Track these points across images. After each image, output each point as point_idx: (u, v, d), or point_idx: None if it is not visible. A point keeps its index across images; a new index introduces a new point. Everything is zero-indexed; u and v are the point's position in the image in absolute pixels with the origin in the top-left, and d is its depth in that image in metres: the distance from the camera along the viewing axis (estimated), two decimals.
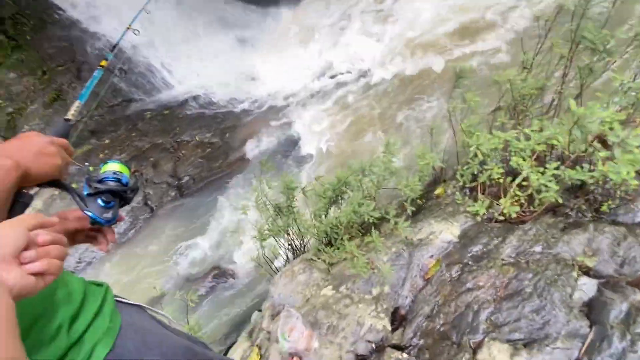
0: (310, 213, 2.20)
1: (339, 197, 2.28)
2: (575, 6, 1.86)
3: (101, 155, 5.41)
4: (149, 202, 4.64)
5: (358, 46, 4.83)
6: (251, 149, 4.51)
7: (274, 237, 2.14)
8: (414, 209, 2.04)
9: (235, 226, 3.39)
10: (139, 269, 3.93)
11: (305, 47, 5.57)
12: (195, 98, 5.63)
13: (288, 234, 2.23)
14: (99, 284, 0.84)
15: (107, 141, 5.59)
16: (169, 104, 5.78)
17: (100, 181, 0.82)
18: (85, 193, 0.80)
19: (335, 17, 5.85)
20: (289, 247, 2.36)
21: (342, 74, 4.68)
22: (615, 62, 1.85)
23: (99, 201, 0.80)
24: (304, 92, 4.81)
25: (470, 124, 1.84)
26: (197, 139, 5.08)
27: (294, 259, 2.39)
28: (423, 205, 2.27)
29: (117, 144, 5.51)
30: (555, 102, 2.18)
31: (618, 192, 1.61)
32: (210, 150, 4.88)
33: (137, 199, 4.65)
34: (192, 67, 6.03)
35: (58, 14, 5.81)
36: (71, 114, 0.96)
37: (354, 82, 4.42)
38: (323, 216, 2.15)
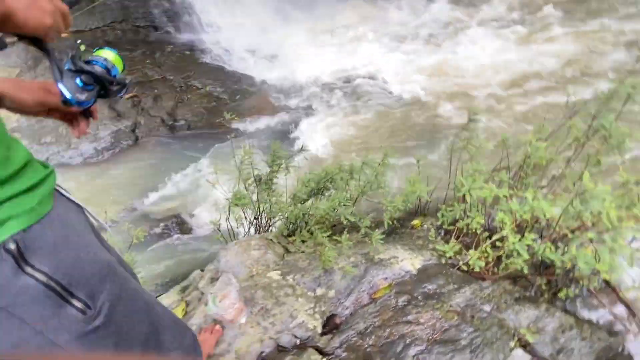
0: (290, 195, 2.15)
1: (321, 192, 2.24)
2: (605, 97, 1.88)
3: None
4: (136, 131, 4.50)
5: (393, 60, 4.82)
6: (254, 119, 4.43)
7: (243, 207, 2.09)
8: (391, 223, 2.01)
9: (205, 183, 3.31)
10: (101, 191, 3.80)
11: (338, 45, 5.54)
12: (221, 50, 5.52)
13: (258, 209, 2.18)
14: (45, 166, 0.77)
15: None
16: (193, 46, 5.65)
17: (87, 62, 0.76)
18: (66, 67, 0.74)
19: (385, 25, 5.84)
20: (254, 221, 2.30)
21: (366, 79, 4.66)
22: (623, 161, 1.88)
23: (77, 80, 0.73)
24: (321, 84, 4.77)
25: (477, 169, 1.82)
26: (207, 89, 4.98)
27: (254, 233, 2.34)
28: (396, 230, 2.25)
29: (128, 64, 5.32)
30: (554, 179, 2.20)
31: (582, 283, 1.62)
32: (215, 104, 4.78)
33: (126, 124, 4.52)
34: (232, 22, 5.92)
35: None
36: None
37: (376, 92, 4.40)
38: (300, 202, 2.11)
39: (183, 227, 3.07)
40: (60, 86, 0.71)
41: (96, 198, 3.70)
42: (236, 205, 1.96)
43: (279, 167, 2.05)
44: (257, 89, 4.93)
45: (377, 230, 2.18)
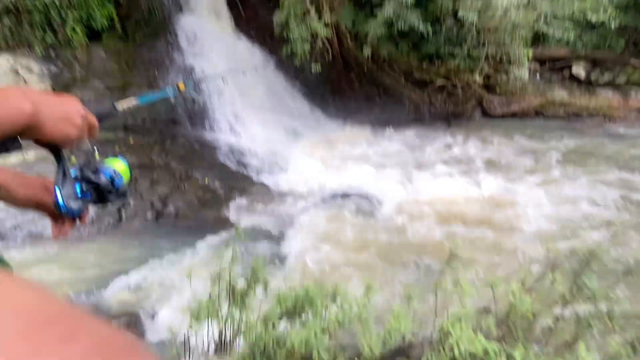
0: (261, 314, 1.96)
1: (297, 314, 2.06)
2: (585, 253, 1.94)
3: (117, 148, 5.52)
4: (122, 211, 4.43)
5: (386, 185, 5.14)
6: (245, 218, 4.44)
7: (208, 318, 1.88)
8: None
9: (178, 282, 3.06)
10: (66, 268, 3.50)
11: (339, 164, 6.01)
12: (228, 149, 5.94)
13: (224, 323, 1.96)
14: (5, 263, 0.71)
15: (131, 141, 5.78)
16: (204, 142, 6.10)
17: (95, 171, 0.78)
18: (73, 173, 0.75)
19: (383, 151, 6.46)
20: (217, 337, 2.04)
21: (360, 198, 4.86)
22: (613, 329, 1.81)
23: (77, 186, 0.74)
24: (317, 197, 4.96)
25: (463, 314, 1.73)
26: (206, 182, 5.14)
27: (214, 352, 2.04)
28: None
29: (137, 147, 5.66)
30: (544, 337, 2.07)
31: None
32: (210, 197, 4.85)
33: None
34: (244, 129, 6.56)
35: (172, 36, 6.83)
36: (122, 105, 0.98)
37: (368, 212, 4.54)
38: (271, 325, 1.91)
39: (136, 330, 2.69)
40: (57, 191, 0.71)
41: (58, 275, 3.38)
42: (197, 319, 1.76)
43: (255, 285, 1.94)
44: (255, 190, 5.10)
45: None
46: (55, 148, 0.70)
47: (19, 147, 0.64)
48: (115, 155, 0.87)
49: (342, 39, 8.22)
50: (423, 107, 8.31)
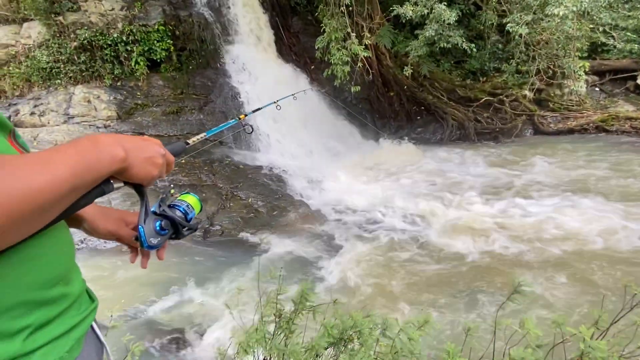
0: (307, 343, 1.93)
1: (343, 343, 2.00)
2: None
3: None
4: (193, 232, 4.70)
5: (430, 208, 4.94)
6: (285, 238, 4.48)
7: (255, 347, 1.89)
8: None
9: (223, 302, 3.13)
10: (120, 285, 3.74)
11: (381, 184, 5.91)
12: (270, 169, 6.12)
13: (271, 351, 1.95)
14: (92, 298, 0.78)
15: (182, 161, 6.18)
16: (247, 162, 6.36)
17: (171, 207, 0.84)
18: (152, 209, 0.81)
19: (428, 173, 6.26)
20: None
21: (403, 221, 4.71)
22: None
23: (157, 223, 0.79)
24: (358, 220, 4.88)
25: (524, 357, 1.57)
26: (250, 201, 5.31)
27: None
28: None
29: (188, 167, 6.04)
30: None
31: None
32: (253, 216, 4.99)
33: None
34: (286, 150, 6.75)
35: (221, 64, 7.33)
36: (192, 140, 1.06)
37: (411, 237, 4.37)
38: (315, 355, 1.86)
39: (184, 346, 2.78)
40: (141, 229, 0.77)
41: (112, 291, 3.62)
42: (245, 352, 1.77)
43: (303, 310, 1.91)
44: (296, 210, 5.17)
45: None
46: (139, 187, 0.76)
47: (112, 189, 0.70)
48: (187, 191, 0.93)
49: (381, 59, 8.28)
50: (467, 124, 8.00)
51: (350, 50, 6.06)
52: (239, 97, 6.77)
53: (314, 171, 6.17)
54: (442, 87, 8.53)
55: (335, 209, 5.15)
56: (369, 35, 7.00)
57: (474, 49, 7.05)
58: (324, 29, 6.28)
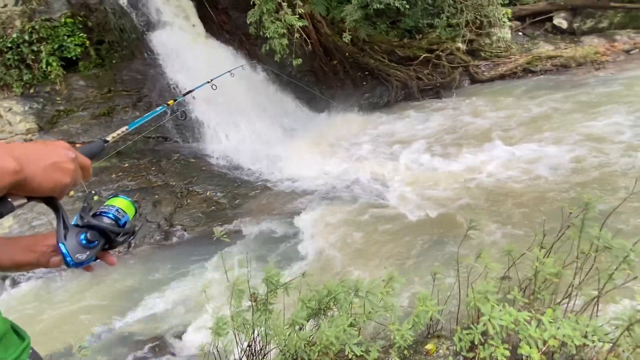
0: (289, 319, 1.95)
1: (323, 312, 2.05)
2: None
3: (113, 175, 5.47)
4: (130, 237, 4.41)
5: (388, 170, 5.11)
6: (252, 224, 4.41)
7: (234, 331, 1.87)
8: (399, 359, 1.78)
9: (198, 298, 3.06)
10: (82, 303, 3.49)
11: (338, 154, 5.97)
12: (224, 158, 5.89)
13: (252, 334, 1.95)
14: (22, 337, 0.68)
15: (126, 164, 5.73)
16: (198, 155, 6.05)
17: (97, 215, 0.75)
18: (73, 222, 0.72)
19: (378, 137, 6.41)
20: (247, 348, 2.04)
21: (364, 186, 4.84)
22: (635, 277, 1.80)
23: (82, 237, 0.70)
24: (321, 191, 4.93)
25: (488, 290, 1.72)
26: (208, 194, 5.11)
27: None
28: (408, 358, 1.99)
29: (133, 171, 5.61)
30: (569, 297, 2.07)
31: None
32: (215, 209, 4.83)
33: None
34: (237, 135, 6.50)
35: (148, 54, 6.71)
36: (112, 136, 0.94)
37: (374, 200, 4.52)
38: (298, 328, 1.90)
39: (165, 352, 2.70)
40: (62, 246, 0.68)
41: (72, 313, 3.37)
42: (218, 334, 1.75)
43: (276, 289, 1.92)
44: (258, 194, 5.08)
45: (386, 359, 1.94)
46: (50, 200, 0.66)
47: (11, 208, 0.59)
48: (115, 195, 0.84)
49: (319, 28, 8.09)
50: (410, 83, 8.23)
51: (285, 21, 5.81)
52: (177, 86, 6.30)
53: (270, 152, 6.04)
54: (382, 50, 8.60)
55: (297, 185, 5.13)
56: (301, 4, 6.75)
57: (407, 6, 7.12)
58: (254, 2, 5.93)
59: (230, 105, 6.54)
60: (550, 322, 1.65)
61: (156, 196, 5.06)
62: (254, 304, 2.04)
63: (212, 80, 2.10)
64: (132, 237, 0.83)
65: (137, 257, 4.10)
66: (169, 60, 6.58)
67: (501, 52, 8.51)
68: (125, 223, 0.79)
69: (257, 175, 5.49)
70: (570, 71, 7.63)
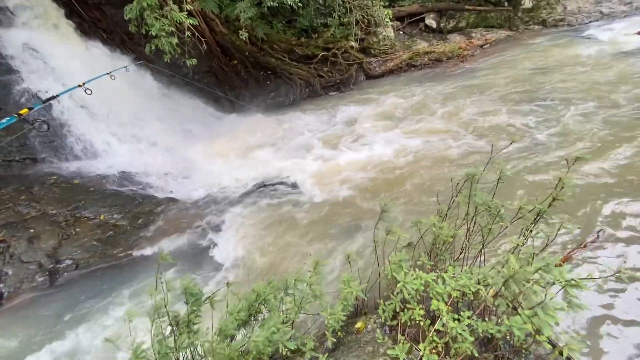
0: (215, 331, 1.82)
1: (253, 317, 1.98)
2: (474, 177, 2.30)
3: None
4: (0, 285, 3.52)
5: (298, 166, 5.19)
6: (163, 242, 3.98)
7: (156, 358, 1.66)
8: (335, 340, 1.83)
9: (107, 336, 2.62)
10: None
11: (247, 157, 5.82)
12: (117, 174, 5.15)
13: (179, 356, 1.76)
14: None
15: None
16: (83, 174, 5.16)
17: None
18: None
19: (287, 134, 6.44)
20: None
21: (276, 185, 4.82)
22: (507, 227, 2.23)
23: None
24: (233, 196, 4.75)
25: (401, 258, 1.89)
26: (102, 218, 4.40)
27: None
28: (342, 340, 2.06)
29: None
30: (464, 252, 2.43)
31: (523, 351, 1.66)
32: (112, 234, 4.18)
33: None
34: (129, 145, 5.74)
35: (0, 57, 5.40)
36: None
37: (288, 197, 4.54)
38: (228, 340, 1.79)
39: None
40: None
41: None
42: None
43: (199, 306, 1.77)
44: (164, 209, 4.58)
45: (322, 347, 1.97)
46: None
47: None
48: None
49: (213, 26, 7.70)
50: (313, 81, 8.51)
51: (172, 18, 5.34)
52: (36, 96, 5.22)
53: (172, 161, 5.52)
54: (281, 49, 8.67)
55: (206, 193, 4.82)
56: (189, 1, 6.30)
57: (299, 5, 7.31)
58: None
59: (118, 114, 5.74)
60: (451, 277, 1.91)
61: (31, 230, 4.13)
62: (175, 328, 1.85)
63: (84, 83, 1.78)
64: None
65: (15, 309, 3.29)
66: (28, 65, 5.41)
67: (387, 50, 9.47)
68: None
69: (161, 188, 4.96)
70: (443, 64, 8.94)
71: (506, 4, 10.78)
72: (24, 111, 1.05)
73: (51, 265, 3.75)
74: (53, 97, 1.42)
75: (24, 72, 5.33)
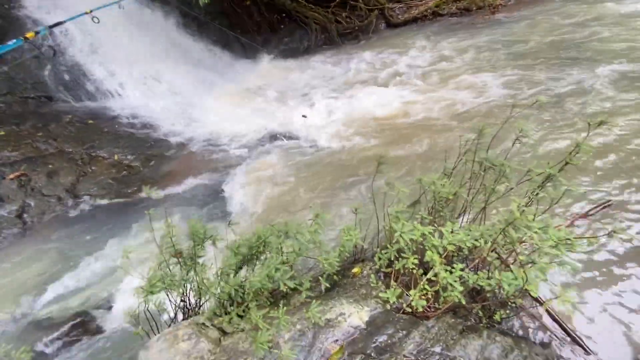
0: (217, 269, 1.94)
1: (255, 257, 2.09)
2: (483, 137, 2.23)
3: None
4: (25, 215, 3.78)
5: (309, 115, 5.10)
6: (172, 185, 4.11)
7: (166, 289, 1.81)
8: (328, 285, 1.94)
9: (119, 267, 2.85)
10: None
11: (258, 103, 5.72)
12: (130, 116, 5.19)
13: (184, 288, 1.91)
14: None
15: (1, 132, 4.69)
16: (97, 114, 5.21)
17: None
18: None
19: (300, 83, 6.25)
20: (181, 303, 2.01)
21: (287, 137, 4.80)
22: (512, 188, 2.20)
23: None
24: (243, 143, 4.76)
25: (399, 210, 1.92)
26: (116, 158, 4.53)
27: (183, 319, 2.03)
28: (338, 282, 2.19)
29: (12, 139, 4.64)
30: (466, 210, 2.43)
31: (509, 303, 1.73)
32: (126, 174, 4.34)
33: (9, 209, 3.78)
34: (143, 88, 5.69)
35: None
36: None
37: (297, 147, 4.53)
38: (231, 275, 1.92)
39: (89, 328, 2.51)
40: None
41: None
42: (151, 292, 1.68)
43: (203, 242, 1.87)
44: (175, 153, 4.66)
45: (318, 287, 2.09)
46: None
47: None
48: None
49: None
50: (330, 27, 8.01)
51: None
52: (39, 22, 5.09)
53: (184, 105, 5.50)
54: None
55: (218, 140, 4.85)
56: None
57: None
58: None
59: (130, 53, 5.61)
60: (450, 232, 1.94)
61: (50, 166, 4.32)
62: (181, 260, 1.98)
63: (91, 11, 1.71)
64: None
65: (37, 236, 3.57)
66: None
67: None
68: None
69: (172, 132, 5.00)
70: (472, 14, 8.22)
71: None
72: (30, 34, 1.03)
73: (70, 200, 3.97)
74: (59, 23, 1.39)
75: (30, 5, 5.16)
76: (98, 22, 1.57)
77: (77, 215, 3.77)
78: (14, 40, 1.00)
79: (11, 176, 4.13)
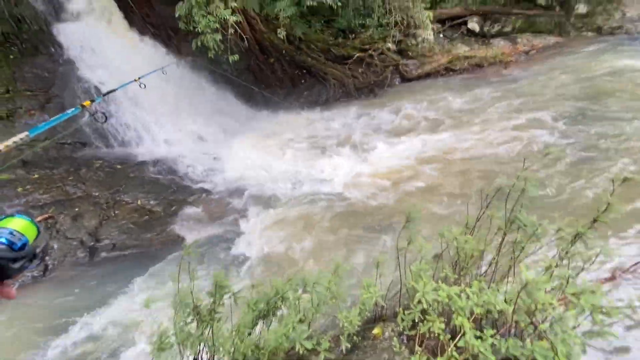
0: (233, 326, 1.88)
1: (271, 313, 2.02)
2: (510, 189, 2.19)
3: (19, 189, 4.72)
4: (47, 258, 3.85)
5: (331, 164, 5.22)
6: (192, 231, 4.16)
7: (179, 345, 1.75)
8: (349, 345, 1.83)
9: (134, 317, 2.79)
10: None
11: (280, 152, 5.93)
12: (156, 163, 5.45)
13: (199, 347, 1.84)
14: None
15: (35, 176, 4.99)
16: (125, 160, 5.51)
17: None
18: None
19: (319, 133, 6.49)
20: None
21: (305, 182, 4.88)
22: (541, 246, 2.11)
23: None
24: (264, 190, 4.86)
25: (421, 268, 1.86)
26: (139, 202, 4.68)
27: None
28: (358, 345, 2.06)
29: (45, 182, 4.90)
30: (492, 268, 2.33)
31: None
32: (148, 219, 4.44)
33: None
34: (171, 136, 6.05)
35: (55, 48, 5.90)
36: (5, 145, 0.81)
37: (318, 194, 4.58)
38: (246, 333, 1.85)
39: None
40: None
41: None
42: (161, 349, 1.63)
43: (222, 297, 1.84)
44: (197, 199, 4.79)
45: (337, 348, 1.98)
46: None
47: None
48: (11, 214, 0.72)
49: (253, 25, 7.91)
50: (347, 81, 8.50)
51: (217, 15, 5.56)
52: (93, 85, 5.64)
53: (207, 154, 5.76)
54: (317, 48, 8.74)
55: (239, 187, 4.97)
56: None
57: (339, 4, 7.32)
58: None
59: (161, 105, 6.07)
60: (475, 293, 1.84)
61: (76, 209, 4.48)
62: (197, 317, 1.93)
63: (139, 78, 1.91)
64: (37, 262, 0.72)
65: (57, 280, 3.59)
66: (83, 56, 5.86)
67: (426, 52, 9.24)
68: (23, 246, 0.68)
69: (195, 178, 5.19)
70: (484, 70, 8.59)
71: (558, 8, 10.14)
72: (87, 103, 1.16)
73: (91, 243, 4.05)
74: (112, 91, 1.55)
75: (80, 64, 5.78)
76: (144, 88, 1.75)
77: (97, 261, 3.81)
78: (72, 109, 1.11)
79: (39, 219, 4.31)
